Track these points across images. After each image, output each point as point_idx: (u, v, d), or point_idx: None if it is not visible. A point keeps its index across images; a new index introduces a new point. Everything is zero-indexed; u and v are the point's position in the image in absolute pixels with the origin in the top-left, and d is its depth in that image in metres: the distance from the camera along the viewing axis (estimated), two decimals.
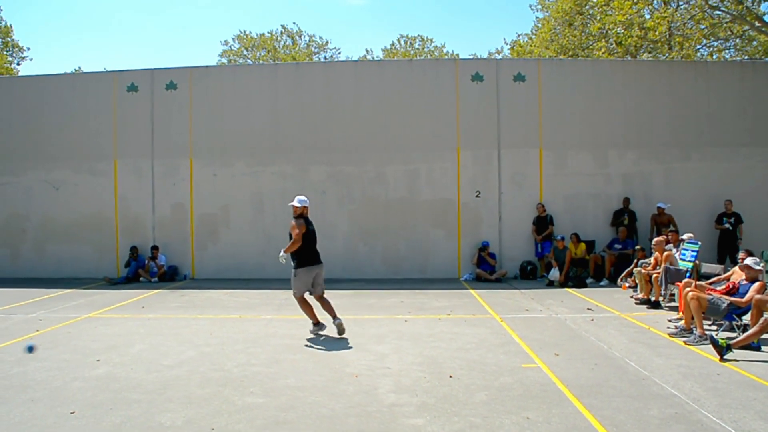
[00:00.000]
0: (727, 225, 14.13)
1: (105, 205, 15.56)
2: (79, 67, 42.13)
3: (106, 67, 29.29)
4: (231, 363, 6.99)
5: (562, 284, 13.21)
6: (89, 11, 72.47)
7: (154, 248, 14.99)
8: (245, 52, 40.21)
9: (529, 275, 14.51)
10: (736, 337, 7.41)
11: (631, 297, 11.41)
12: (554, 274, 13.49)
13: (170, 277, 14.85)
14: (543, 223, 14.60)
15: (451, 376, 6.32)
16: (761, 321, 7.22)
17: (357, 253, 15.12)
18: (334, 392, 5.88)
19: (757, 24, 20.89)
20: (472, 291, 12.62)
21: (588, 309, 10.46)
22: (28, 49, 36.70)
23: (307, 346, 7.88)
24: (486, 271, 14.26)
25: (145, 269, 14.76)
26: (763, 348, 7.45)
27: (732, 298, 8.05)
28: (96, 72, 17.15)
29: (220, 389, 5.99)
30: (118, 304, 11.32)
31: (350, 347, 7.79)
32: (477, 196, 14.95)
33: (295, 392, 5.88)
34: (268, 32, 40.59)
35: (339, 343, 8.02)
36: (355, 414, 5.27)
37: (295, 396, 5.77)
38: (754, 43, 25.86)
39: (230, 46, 40.57)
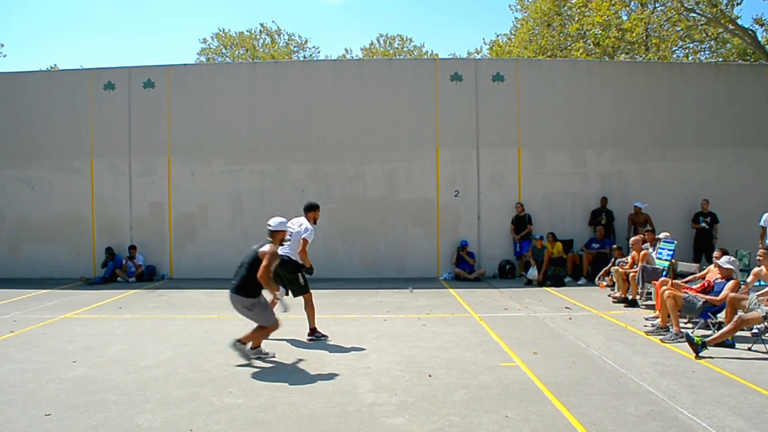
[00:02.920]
0: (703, 224, 14.33)
1: (81, 204, 15.36)
2: (55, 64, 41.61)
3: (82, 65, 29.00)
4: (210, 363, 6.95)
5: (541, 283, 13.30)
6: (64, 7, 71.52)
7: (132, 248, 14.84)
8: (224, 51, 39.92)
9: (508, 274, 14.58)
10: (711, 335, 7.52)
11: (609, 296, 11.53)
12: (533, 273, 13.57)
13: (148, 276, 14.71)
14: (522, 222, 14.69)
15: (430, 376, 6.34)
16: (735, 319, 7.33)
17: (336, 252, 15.09)
18: (314, 392, 5.87)
19: (731, 27, 21.18)
20: (451, 290, 12.66)
21: (566, 308, 10.55)
22: (2, 45, 36.16)
23: (286, 345, 7.85)
24: (465, 270, 14.31)
25: (122, 269, 14.61)
26: (738, 345, 7.57)
27: (707, 297, 8.17)
28: (72, 69, 16.91)
29: (199, 390, 5.95)
30: (95, 305, 11.20)
31: (330, 347, 7.77)
32: (456, 196, 15.00)
33: (274, 392, 5.86)
34: (247, 30, 40.38)
35: (318, 342, 8.00)
36: (335, 413, 5.27)
37: (274, 396, 5.75)
38: (728, 45, 26.24)
39: (209, 45, 40.26)
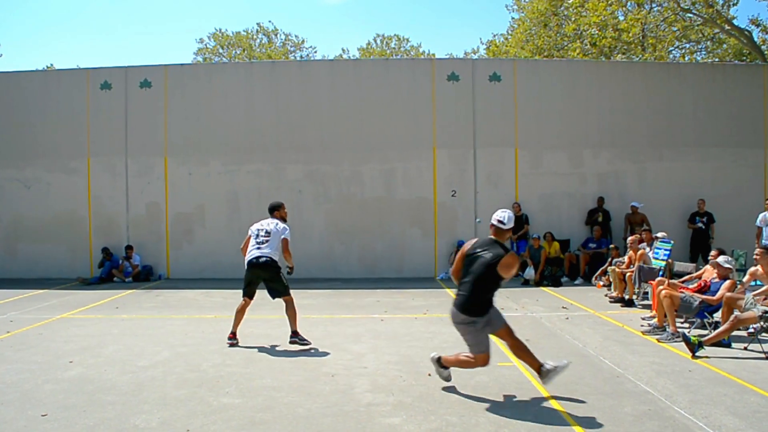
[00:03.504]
0: (699, 224, 14.35)
1: (78, 204, 15.33)
2: (51, 64, 41.46)
3: (79, 65, 28.90)
4: (206, 363, 6.95)
5: (538, 283, 13.32)
6: (61, 7, 71.39)
7: (129, 248, 14.82)
8: (221, 51, 39.90)
9: None
10: (708, 335, 7.53)
11: (606, 295, 11.55)
12: (529, 272, 13.60)
13: (145, 277, 14.69)
14: (518, 222, 14.66)
15: (429, 375, 6.34)
16: (731, 318, 7.35)
17: (333, 252, 15.09)
18: (311, 392, 5.87)
19: (726, 27, 21.25)
20: (448, 290, 12.66)
21: (563, 307, 10.56)
22: None
23: (282, 346, 7.84)
24: None
25: (119, 269, 14.59)
26: (734, 345, 7.58)
27: (704, 296, 8.19)
28: (69, 69, 16.90)
29: (196, 390, 5.95)
30: (91, 305, 11.18)
31: (327, 347, 7.77)
32: (453, 196, 15.01)
33: (271, 392, 5.86)
34: (244, 30, 40.36)
35: (315, 342, 7.99)
36: (332, 414, 5.27)
37: (271, 396, 5.75)
38: (725, 46, 26.30)
39: (206, 44, 40.24)
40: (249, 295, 8.00)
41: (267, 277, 7.84)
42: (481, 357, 5.64)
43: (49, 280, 14.57)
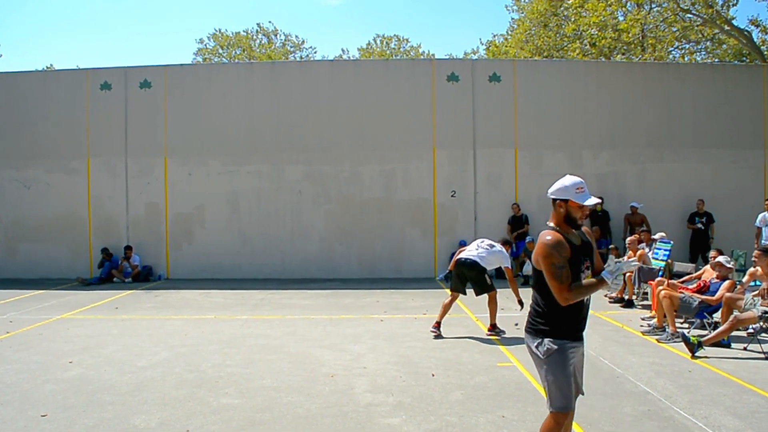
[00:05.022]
0: (699, 225, 14.35)
1: (78, 205, 15.33)
2: (51, 65, 41.47)
3: (78, 65, 28.94)
4: (206, 364, 6.95)
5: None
6: (60, 7, 71.37)
7: (128, 248, 14.82)
8: (221, 51, 39.85)
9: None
10: (707, 335, 7.53)
11: (605, 296, 11.54)
12: (527, 269, 13.57)
13: (144, 277, 14.69)
14: (518, 222, 14.70)
15: (433, 375, 6.35)
16: (731, 318, 7.36)
17: (333, 252, 15.09)
18: (310, 392, 5.87)
19: (726, 27, 21.23)
20: (448, 291, 12.62)
21: None
22: None
23: (282, 346, 7.85)
24: None
25: (118, 269, 14.59)
26: (733, 345, 7.58)
27: (703, 297, 8.20)
28: (68, 69, 16.90)
29: (195, 390, 5.95)
30: (91, 305, 11.18)
31: (326, 347, 7.77)
32: (452, 196, 15.01)
33: (271, 393, 5.86)
34: (244, 31, 40.28)
35: (315, 342, 8.00)
36: (331, 414, 5.27)
37: (270, 397, 5.75)
38: (724, 46, 26.27)
39: (205, 45, 40.16)
40: (455, 290, 8.76)
41: (471, 276, 8.57)
42: None
43: (49, 281, 14.57)
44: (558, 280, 3.59)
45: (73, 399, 5.70)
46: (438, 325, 8.46)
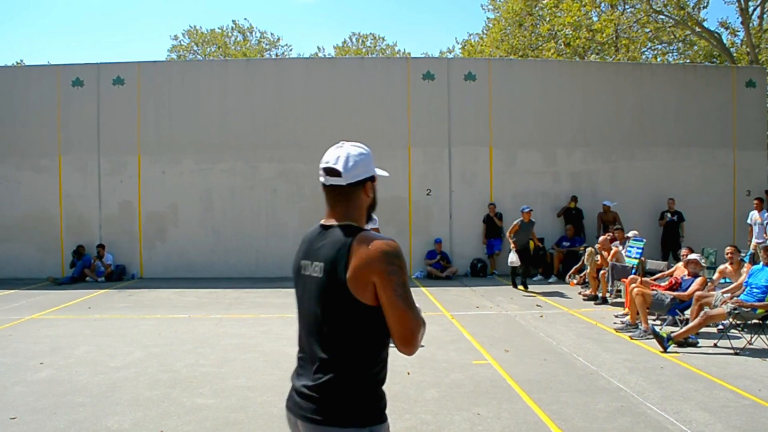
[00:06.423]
0: (668, 217, 14.43)
1: (49, 203, 15.06)
2: (21, 60, 40.70)
3: (49, 61, 28.42)
4: (180, 363, 6.89)
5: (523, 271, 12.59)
6: (30, 1, 70.14)
7: (101, 247, 14.61)
8: (195, 48, 39.53)
9: (480, 273, 14.65)
10: (678, 331, 7.65)
11: (579, 293, 11.67)
12: (512, 257, 12.87)
13: (117, 276, 14.50)
14: (493, 222, 14.76)
15: (409, 373, 6.35)
16: (701, 314, 7.48)
17: None
18: (285, 391, 5.78)
19: (697, 29, 21.59)
20: (423, 288, 12.69)
21: (537, 305, 10.65)
22: None
23: (257, 345, 7.81)
24: (437, 269, 14.32)
25: (91, 269, 14.38)
26: (703, 342, 7.70)
27: (675, 293, 8.33)
28: (39, 65, 16.62)
29: (169, 390, 5.89)
30: (62, 305, 11.01)
31: None
32: (428, 195, 15.04)
33: (246, 392, 5.83)
34: (219, 28, 39.99)
35: (289, 341, 7.95)
36: None
37: (245, 396, 5.72)
38: (695, 47, 26.72)
39: (180, 41, 39.78)
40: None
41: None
42: None
43: (19, 280, 14.30)
44: (415, 311, 2.29)
45: (43, 401, 5.61)
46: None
